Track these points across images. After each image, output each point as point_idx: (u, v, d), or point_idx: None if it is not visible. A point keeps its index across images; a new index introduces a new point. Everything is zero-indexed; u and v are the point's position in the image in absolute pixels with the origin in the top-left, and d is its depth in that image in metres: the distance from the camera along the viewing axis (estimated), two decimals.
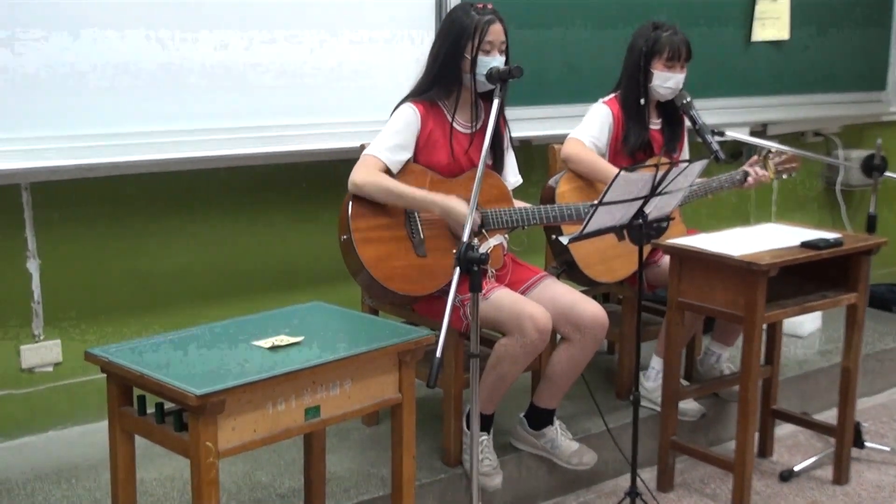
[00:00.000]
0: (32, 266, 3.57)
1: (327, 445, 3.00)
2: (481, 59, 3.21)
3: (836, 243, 3.44)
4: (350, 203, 3.20)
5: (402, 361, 2.66)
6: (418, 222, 3.27)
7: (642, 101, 3.79)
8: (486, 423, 3.37)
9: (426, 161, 3.30)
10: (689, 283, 3.45)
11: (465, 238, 2.56)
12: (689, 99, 3.80)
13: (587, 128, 3.80)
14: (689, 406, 3.93)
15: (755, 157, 4.03)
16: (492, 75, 3.11)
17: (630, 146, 3.80)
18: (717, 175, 3.95)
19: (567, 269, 3.74)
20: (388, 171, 3.22)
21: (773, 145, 4.15)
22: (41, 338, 3.63)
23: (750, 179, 3.94)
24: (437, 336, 2.42)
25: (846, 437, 3.75)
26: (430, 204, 3.21)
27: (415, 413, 2.72)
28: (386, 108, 3.37)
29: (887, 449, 4.04)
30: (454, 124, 3.32)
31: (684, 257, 3.45)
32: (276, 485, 3.25)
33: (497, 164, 3.45)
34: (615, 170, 3.40)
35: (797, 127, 5.55)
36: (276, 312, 2.89)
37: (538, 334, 3.12)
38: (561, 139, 3.87)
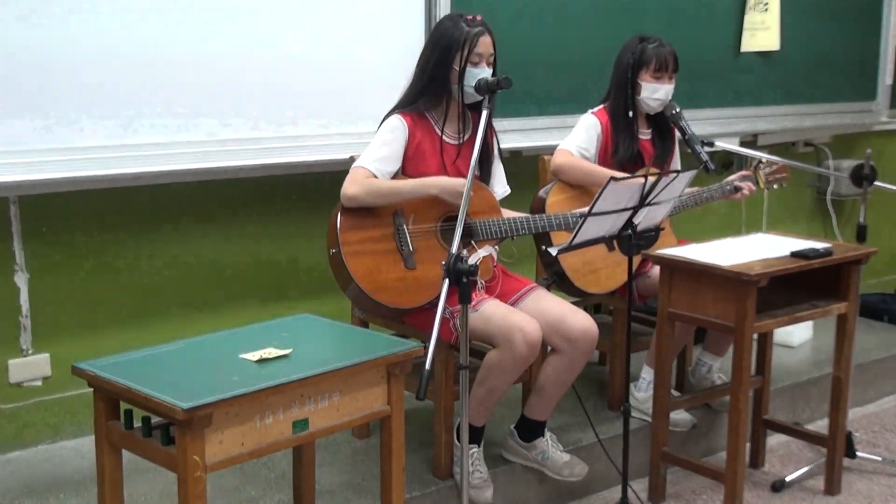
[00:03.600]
0: (20, 280, 3.56)
1: (317, 458, 2.98)
2: (469, 70, 3.21)
3: (826, 253, 3.44)
4: (339, 216, 3.19)
5: (391, 374, 2.65)
6: (407, 234, 3.26)
7: (630, 113, 3.80)
8: (477, 436, 3.36)
9: (415, 172, 3.29)
10: (680, 293, 3.44)
11: (455, 249, 2.55)
12: (678, 109, 3.81)
13: (575, 138, 3.80)
14: (680, 417, 3.93)
15: (745, 171, 4.04)
16: (480, 87, 3.11)
17: (619, 158, 3.80)
18: (708, 185, 3.95)
19: (557, 280, 3.74)
20: None
21: (763, 155, 4.15)
22: (29, 352, 3.61)
23: (744, 192, 3.94)
24: (427, 348, 2.42)
25: (838, 447, 3.75)
26: (425, 188, 3.21)
27: (404, 425, 2.71)
28: (374, 120, 3.37)
29: (879, 459, 4.04)
30: (442, 136, 3.32)
31: (674, 268, 3.44)
32: (266, 498, 3.24)
33: (484, 174, 3.45)
34: (608, 173, 3.41)
35: (787, 137, 5.57)
36: (264, 325, 2.88)
37: (528, 346, 3.11)
38: (550, 150, 3.87)
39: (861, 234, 3.84)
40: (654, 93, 3.77)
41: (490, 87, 3.03)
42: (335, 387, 2.53)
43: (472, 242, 3.30)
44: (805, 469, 3.90)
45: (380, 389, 2.64)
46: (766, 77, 5.14)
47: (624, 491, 3.28)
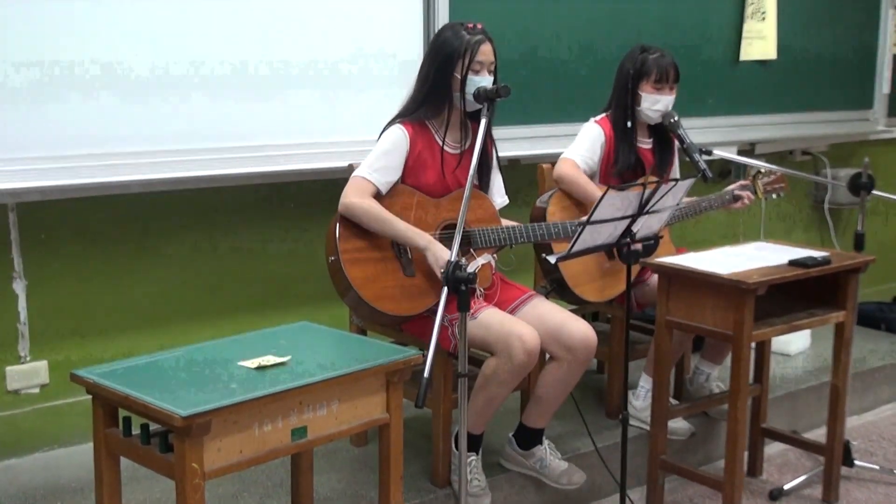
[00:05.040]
0: (18, 287, 3.56)
1: (315, 466, 2.98)
2: (471, 78, 3.21)
3: (824, 261, 3.44)
4: (337, 224, 3.19)
5: (390, 381, 2.65)
6: None
7: (629, 123, 3.80)
8: (475, 444, 3.35)
9: (414, 181, 3.29)
10: (678, 301, 3.44)
11: (454, 257, 2.56)
12: (676, 118, 3.81)
13: (579, 147, 3.80)
14: (678, 425, 3.93)
15: (744, 181, 4.04)
16: (479, 95, 3.12)
17: (618, 168, 3.80)
18: (707, 195, 3.95)
19: (556, 288, 3.74)
20: (377, 193, 3.21)
21: (761, 164, 4.16)
22: (27, 359, 3.61)
23: (743, 201, 3.95)
24: (425, 356, 2.42)
25: (835, 456, 3.75)
26: (416, 239, 3.18)
27: (402, 433, 2.71)
28: (374, 128, 3.36)
29: (876, 467, 4.04)
30: (443, 145, 3.32)
31: (673, 276, 3.44)
32: None
33: (483, 184, 3.45)
34: None
35: (785, 146, 5.57)
36: (263, 332, 2.88)
37: (526, 354, 3.11)
38: (549, 158, 3.87)
39: (859, 243, 3.84)
40: (655, 104, 3.77)
41: (489, 95, 3.04)
42: (334, 394, 2.53)
43: (471, 250, 3.30)
44: (803, 477, 3.90)
45: (378, 397, 2.65)
46: (764, 86, 5.15)
47: (622, 499, 3.27)
